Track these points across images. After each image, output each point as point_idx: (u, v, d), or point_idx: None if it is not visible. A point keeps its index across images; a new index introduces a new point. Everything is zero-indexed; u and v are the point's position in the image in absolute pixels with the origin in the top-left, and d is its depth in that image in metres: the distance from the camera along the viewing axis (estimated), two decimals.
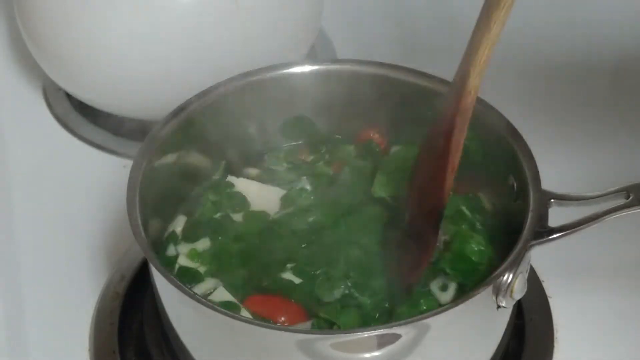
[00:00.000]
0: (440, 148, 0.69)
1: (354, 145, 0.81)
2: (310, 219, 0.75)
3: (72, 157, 0.95)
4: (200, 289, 0.71)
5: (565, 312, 0.78)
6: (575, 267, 0.81)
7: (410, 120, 0.78)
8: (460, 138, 0.68)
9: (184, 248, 0.74)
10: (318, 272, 0.71)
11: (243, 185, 0.78)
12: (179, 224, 0.75)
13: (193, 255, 0.73)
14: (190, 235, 0.75)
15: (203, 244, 0.74)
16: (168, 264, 0.72)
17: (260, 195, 0.78)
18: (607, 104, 0.98)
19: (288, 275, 0.71)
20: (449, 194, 0.70)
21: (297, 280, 0.71)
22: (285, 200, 0.77)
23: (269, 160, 0.81)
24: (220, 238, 0.74)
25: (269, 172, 0.80)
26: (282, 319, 0.69)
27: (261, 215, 0.76)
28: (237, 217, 0.76)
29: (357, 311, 0.69)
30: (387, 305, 0.69)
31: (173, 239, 0.74)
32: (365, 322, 0.68)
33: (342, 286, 0.70)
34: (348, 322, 0.68)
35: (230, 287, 0.71)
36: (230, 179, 0.78)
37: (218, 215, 0.76)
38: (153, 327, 0.76)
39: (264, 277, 0.71)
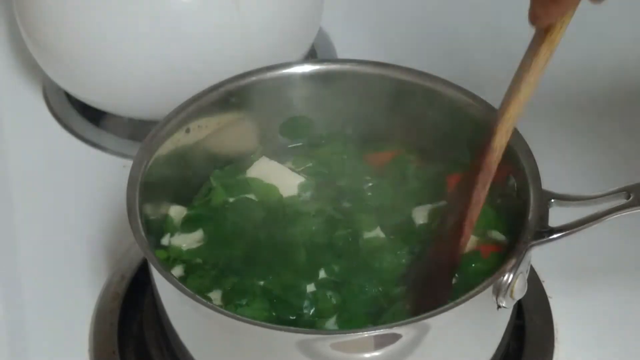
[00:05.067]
0: (462, 202, 0.69)
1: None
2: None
3: (72, 157, 0.95)
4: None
5: (565, 312, 0.78)
6: (575, 267, 0.81)
7: (409, 120, 0.78)
8: (481, 194, 0.68)
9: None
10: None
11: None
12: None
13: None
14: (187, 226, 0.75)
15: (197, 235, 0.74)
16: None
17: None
18: (608, 104, 0.98)
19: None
20: (465, 248, 0.69)
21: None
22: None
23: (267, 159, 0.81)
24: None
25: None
26: None
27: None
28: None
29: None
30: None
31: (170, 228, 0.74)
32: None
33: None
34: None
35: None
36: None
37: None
38: (153, 327, 0.76)
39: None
